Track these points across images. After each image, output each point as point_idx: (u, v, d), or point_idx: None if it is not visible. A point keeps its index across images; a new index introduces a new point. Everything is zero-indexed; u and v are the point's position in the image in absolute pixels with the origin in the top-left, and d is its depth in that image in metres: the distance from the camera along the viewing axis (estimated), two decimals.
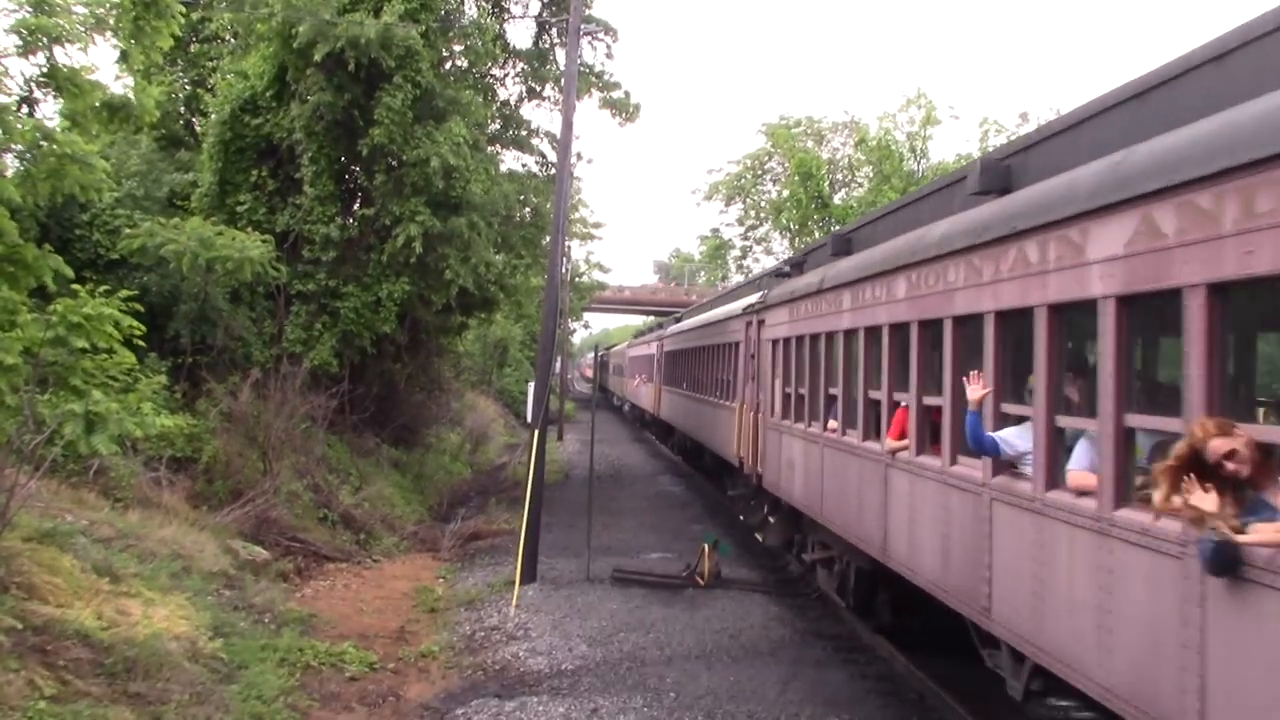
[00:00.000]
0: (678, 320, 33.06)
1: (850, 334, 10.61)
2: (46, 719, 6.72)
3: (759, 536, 16.56)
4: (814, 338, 12.08)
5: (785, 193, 42.83)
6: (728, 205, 46.91)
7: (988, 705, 8.75)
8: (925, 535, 8.33)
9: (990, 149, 35.69)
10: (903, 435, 8.87)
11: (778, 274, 15.70)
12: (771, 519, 15.37)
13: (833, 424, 11.16)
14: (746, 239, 47.89)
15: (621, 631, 11.48)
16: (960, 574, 7.61)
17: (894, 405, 9.18)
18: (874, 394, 9.76)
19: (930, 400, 8.33)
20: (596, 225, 48.22)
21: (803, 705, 9.15)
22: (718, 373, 20.31)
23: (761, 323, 15.54)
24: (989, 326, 7.10)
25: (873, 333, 9.83)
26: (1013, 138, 35.74)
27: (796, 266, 14.58)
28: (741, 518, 18.52)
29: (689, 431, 26.13)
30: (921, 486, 8.42)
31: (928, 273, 8.24)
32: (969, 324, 7.55)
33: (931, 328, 8.28)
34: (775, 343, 14.37)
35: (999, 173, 7.71)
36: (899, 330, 9.04)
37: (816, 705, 9.16)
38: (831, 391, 11.34)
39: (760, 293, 16.90)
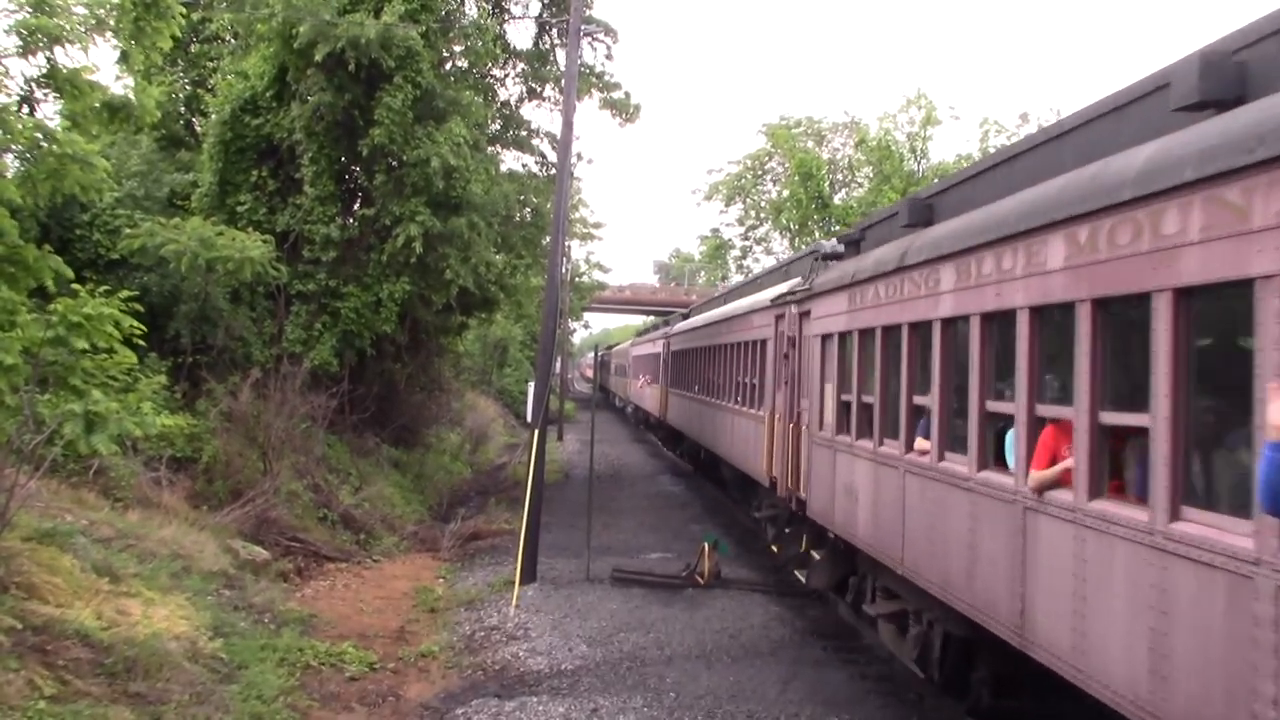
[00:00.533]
0: (685, 316, 31.01)
1: (954, 323, 7.89)
2: (46, 719, 6.73)
3: (800, 576, 13.51)
4: (889, 330, 9.36)
5: (785, 193, 42.86)
6: (728, 205, 46.96)
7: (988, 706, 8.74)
8: (1115, 625, 5.54)
9: (990, 149, 35.81)
10: (1053, 464, 6.32)
11: (825, 255, 12.59)
12: (815, 554, 12.59)
13: (923, 444, 8.46)
14: (746, 239, 47.96)
15: (621, 631, 11.49)
16: (1198, 700, 4.84)
17: (1036, 422, 6.53)
18: (996, 406, 7.17)
19: (1117, 417, 5.70)
20: (596, 225, 48.24)
21: (803, 705, 9.16)
22: (739, 375, 17.87)
23: (805, 315, 12.78)
24: (1272, 301, 4.38)
25: (995, 320, 7.17)
26: (1013, 138, 35.84)
27: (852, 245, 11.81)
28: (774, 548, 15.55)
29: (704, 442, 23.16)
30: (1105, 549, 5.66)
31: (1114, 226, 5.60)
32: (1210, 299, 5.01)
33: (1120, 308, 5.73)
34: (826, 339, 11.56)
35: (1225, 74, 5.23)
36: (1050, 314, 6.44)
37: (816, 705, 9.16)
38: (919, 401, 8.60)
39: (791, 281, 14.42)
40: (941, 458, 8.04)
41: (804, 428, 12.61)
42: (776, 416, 14.32)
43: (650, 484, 26.37)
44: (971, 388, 7.44)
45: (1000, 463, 7.15)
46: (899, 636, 9.90)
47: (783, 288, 14.77)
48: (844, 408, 10.81)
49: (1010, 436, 6.92)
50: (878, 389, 9.61)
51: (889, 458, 9.23)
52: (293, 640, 10.40)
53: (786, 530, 14.45)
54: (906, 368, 8.86)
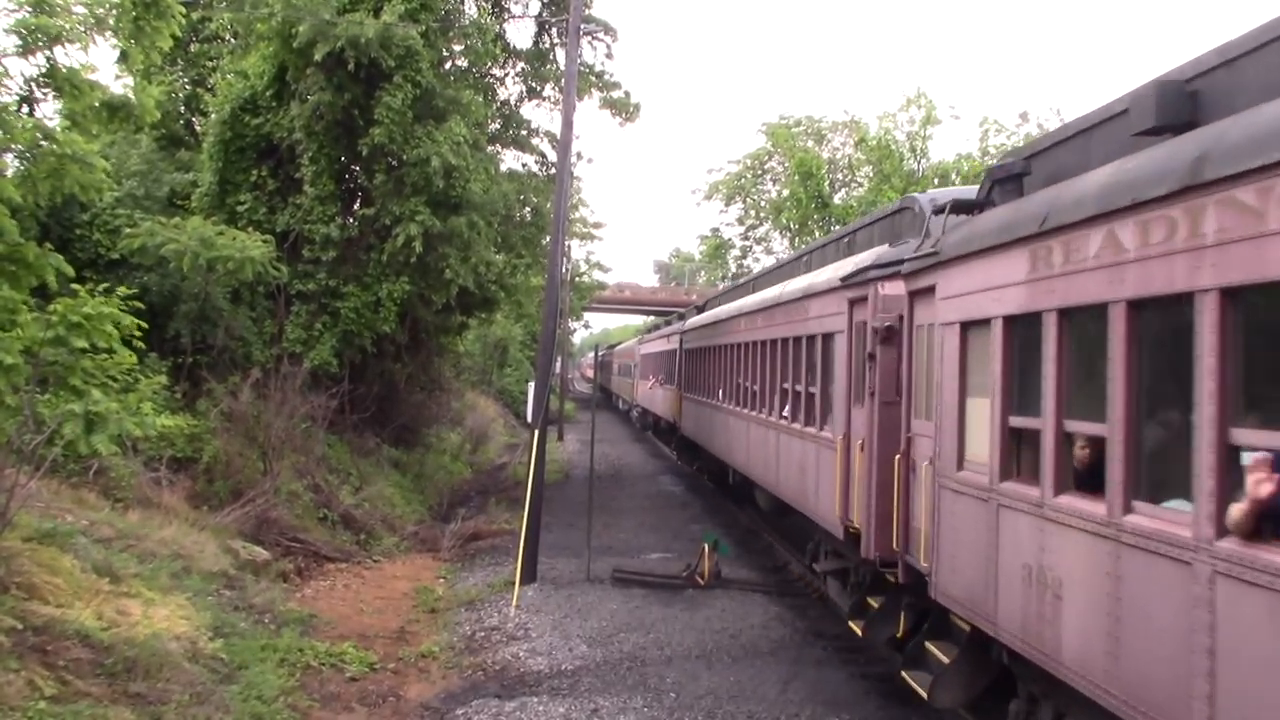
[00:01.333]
0: (700, 310, 27.14)
1: None
2: (46, 719, 6.73)
3: (911, 682, 8.68)
4: (1143, 306, 5.30)
5: (785, 192, 42.84)
6: (728, 205, 46.88)
7: (990, 706, 8.73)
8: None
9: (990, 149, 35.75)
10: None
11: (953, 205, 8.37)
12: (937, 649, 8.51)
13: (1234, 512, 4.45)
14: (746, 239, 47.89)
15: (621, 631, 11.49)
16: None
17: None
18: None
19: None
20: (596, 225, 48.14)
21: (803, 705, 9.16)
22: (786, 381, 14.07)
23: (917, 295, 8.92)
24: None
25: None
26: (1013, 138, 35.76)
27: (1010, 181, 7.55)
28: (853, 625, 10.83)
29: (733, 462, 18.70)
30: None
31: None
32: None
33: None
34: (971, 328, 7.60)
35: None
36: None
37: (816, 705, 9.16)
38: (1245, 438, 4.48)
39: (868, 253, 11.02)
40: None
41: (922, 463, 8.73)
42: (856, 442, 10.55)
43: (650, 484, 26.38)
44: None
45: None
46: None
47: (864, 259, 10.97)
48: (1017, 438, 6.87)
49: None
50: (1119, 411, 5.44)
51: (1161, 539, 5.00)
52: (293, 640, 10.40)
53: (872, 602, 10.57)
54: (1215, 374, 4.59)
